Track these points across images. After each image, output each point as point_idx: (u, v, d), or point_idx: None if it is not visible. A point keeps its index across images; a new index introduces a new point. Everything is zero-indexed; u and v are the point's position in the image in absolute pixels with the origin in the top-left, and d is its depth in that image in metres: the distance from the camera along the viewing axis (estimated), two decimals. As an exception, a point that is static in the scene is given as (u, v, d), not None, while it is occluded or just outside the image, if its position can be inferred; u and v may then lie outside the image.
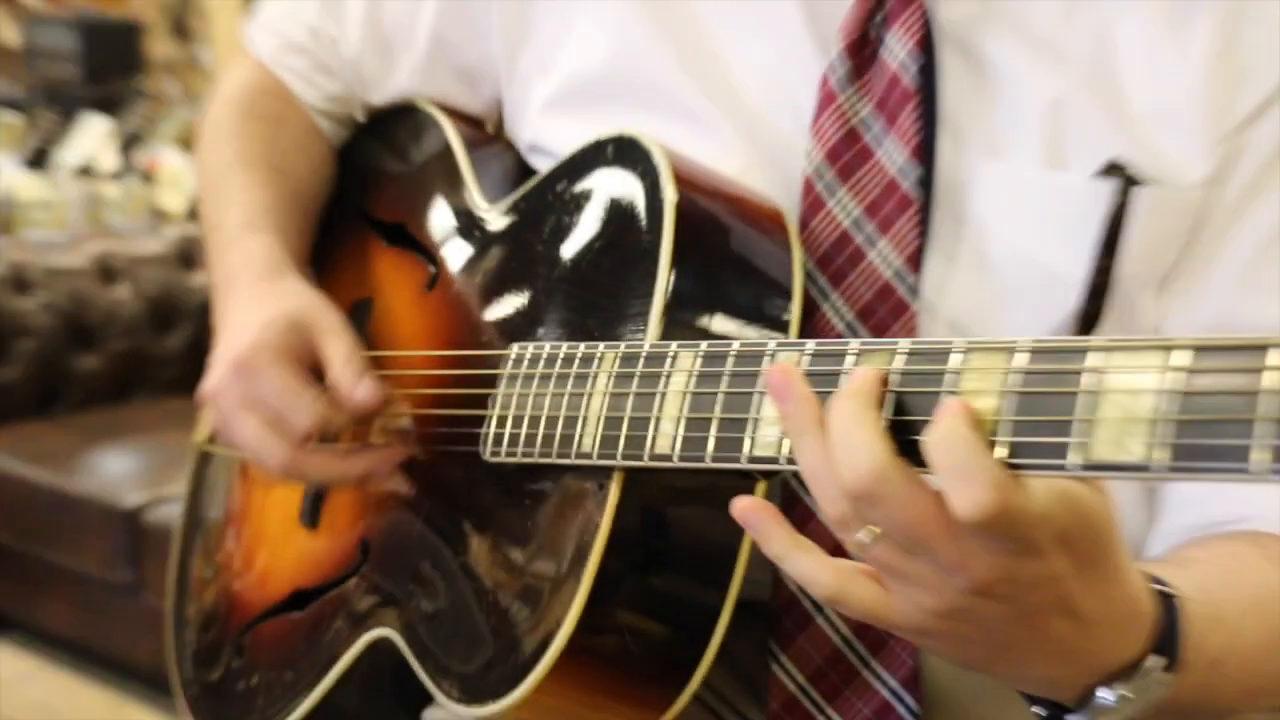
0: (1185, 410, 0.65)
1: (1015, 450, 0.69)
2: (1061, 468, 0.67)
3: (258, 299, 1.09)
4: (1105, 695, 0.76)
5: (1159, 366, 0.66)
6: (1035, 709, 0.80)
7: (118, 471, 2.47)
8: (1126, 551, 0.76)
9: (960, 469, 0.66)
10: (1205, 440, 0.64)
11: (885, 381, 0.71)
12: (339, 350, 1.05)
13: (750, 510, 0.75)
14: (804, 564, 0.73)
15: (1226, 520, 0.95)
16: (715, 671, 0.93)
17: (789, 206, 1.00)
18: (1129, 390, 0.67)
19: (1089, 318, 0.98)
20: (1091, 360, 0.68)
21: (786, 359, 0.80)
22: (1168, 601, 0.78)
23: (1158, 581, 0.79)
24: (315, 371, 1.05)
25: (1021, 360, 0.69)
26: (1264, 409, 0.62)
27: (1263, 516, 0.93)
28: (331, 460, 1.04)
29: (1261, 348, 0.64)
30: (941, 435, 0.67)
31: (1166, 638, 0.77)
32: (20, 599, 2.60)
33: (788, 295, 0.95)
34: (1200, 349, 0.66)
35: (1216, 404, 0.65)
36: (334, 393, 1.03)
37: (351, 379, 1.03)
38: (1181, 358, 0.66)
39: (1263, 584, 0.88)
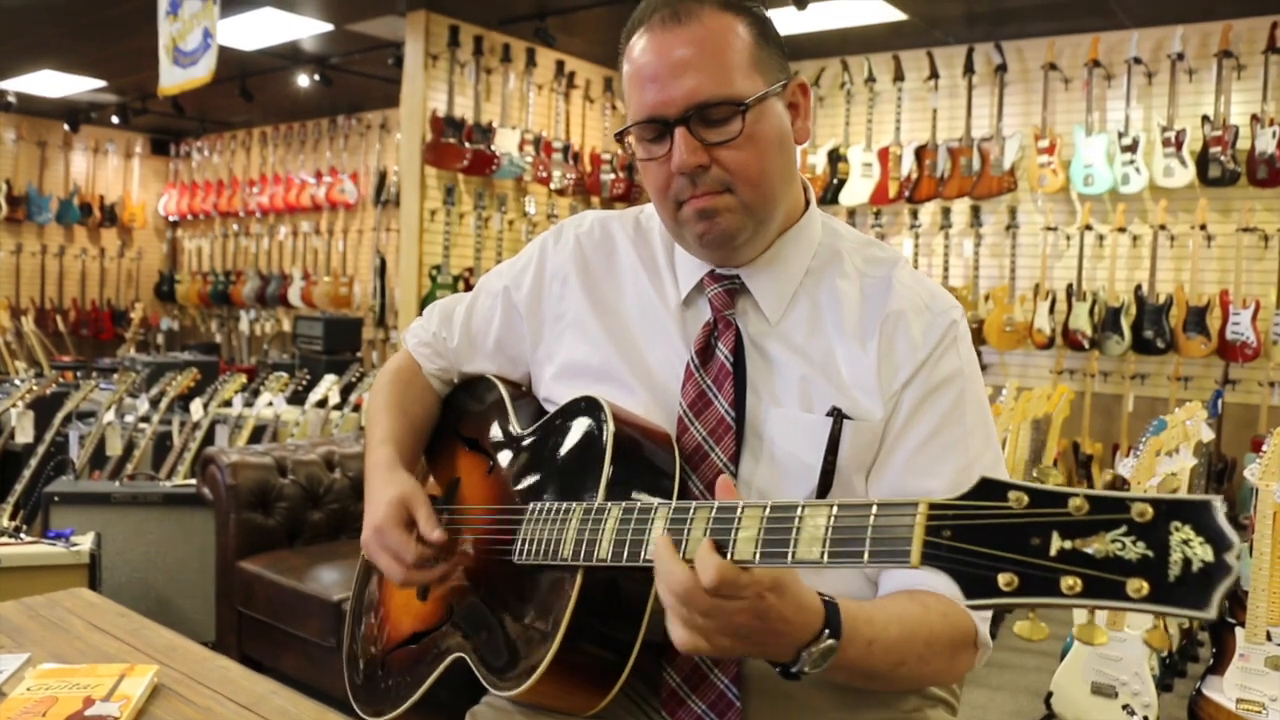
0: (835, 534, 0.73)
1: (762, 556, 0.77)
2: (785, 562, 0.76)
3: (384, 484, 1.13)
4: (803, 654, 0.83)
5: (825, 514, 0.75)
6: (775, 668, 0.85)
7: (329, 579, 2.47)
8: (803, 589, 0.82)
9: (700, 564, 0.78)
10: (845, 548, 0.73)
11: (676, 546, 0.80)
12: (423, 515, 1.08)
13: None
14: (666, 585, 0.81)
15: (901, 585, 0.99)
16: (631, 676, 0.95)
17: (671, 430, 1.04)
18: (813, 524, 0.75)
19: (825, 488, 1.01)
20: (798, 511, 0.76)
21: (663, 511, 0.86)
22: (831, 605, 0.84)
23: (824, 597, 0.84)
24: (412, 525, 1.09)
25: (767, 512, 0.78)
26: (870, 534, 0.71)
27: (916, 579, 0.98)
28: (422, 574, 1.07)
29: (869, 504, 0.72)
30: (698, 555, 0.78)
31: (833, 624, 0.84)
32: (271, 654, 2.57)
33: (671, 477, 0.98)
34: (843, 505, 0.74)
35: (850, 532, 0.73)
36: (422, 537, 1.07)
37: (430, 530, 1.07)
38: (835, 510, 0.74)
39: (904, 610, 0.93)
